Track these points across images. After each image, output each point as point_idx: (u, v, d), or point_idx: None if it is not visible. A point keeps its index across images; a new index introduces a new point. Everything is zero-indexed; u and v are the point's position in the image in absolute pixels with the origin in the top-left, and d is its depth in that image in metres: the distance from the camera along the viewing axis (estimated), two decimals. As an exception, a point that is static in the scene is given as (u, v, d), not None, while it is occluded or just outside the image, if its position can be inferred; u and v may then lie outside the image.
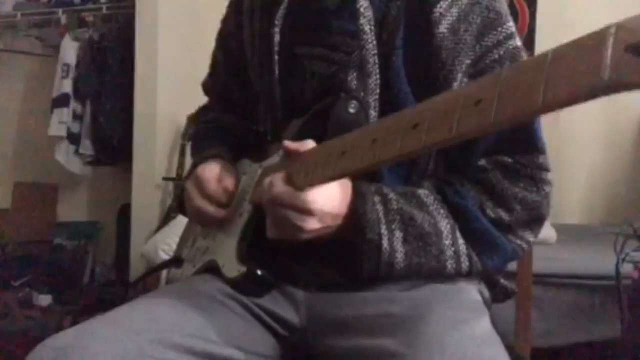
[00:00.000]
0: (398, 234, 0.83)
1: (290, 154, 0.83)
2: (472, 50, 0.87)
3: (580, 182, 3.14)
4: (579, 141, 2.96)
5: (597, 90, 0.44)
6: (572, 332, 2.01)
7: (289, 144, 0.83)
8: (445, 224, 0.84)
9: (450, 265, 0.85)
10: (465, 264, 0.86)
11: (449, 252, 0.84)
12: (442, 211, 0.85)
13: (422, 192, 0.86)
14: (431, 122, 0.58)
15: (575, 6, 3.10)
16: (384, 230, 0.83)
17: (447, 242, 0.84)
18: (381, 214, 0.83)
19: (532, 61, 0.50)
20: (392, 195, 0.85)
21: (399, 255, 0.83)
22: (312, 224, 0.79)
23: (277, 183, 0.80)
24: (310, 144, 0.82)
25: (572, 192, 3.09)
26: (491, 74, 0.56)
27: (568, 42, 0.48)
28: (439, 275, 0.86)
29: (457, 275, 0.87)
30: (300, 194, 0.78)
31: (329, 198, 0.80)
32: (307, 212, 0.78)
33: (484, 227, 0.85)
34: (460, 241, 0.85)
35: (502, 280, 0.98)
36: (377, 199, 0.84)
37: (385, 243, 0.83)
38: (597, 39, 0.45)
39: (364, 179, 0.85)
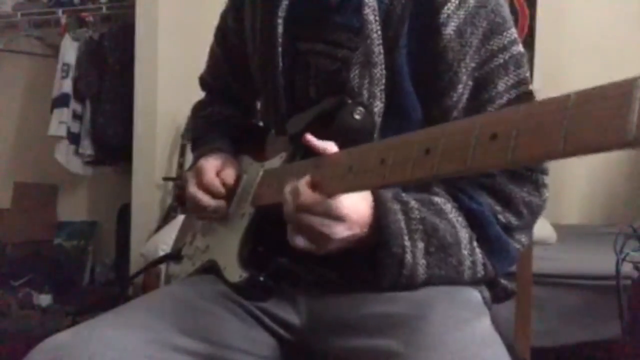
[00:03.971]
0: (420, 245, 0.82)
1: (311, 148, 0.79)
2: (478, 53, 0.87)
3: (580, 182, 3.13)
4: (579, 141, 2.94)
5: (622, 146, 0.43)
6: (572, 332, 2.00)
7: (312, 139, 0.79)
8: (464, 234, 0.84)
9: (467, 275, 0.85)
10: (480, 273, 0.86)
11: (467, 263, 0.85)
12: (460, 219, 0.85)
13: (438, 199, 0.85)
14: (445, 150, 0.57)
15: (575, 6, 3.10)
16: (407, 242, 0.81)
17: (466, 252, 0.84)
18: (403, 224, 0.81)
19: (553, 102, 0.48)
20: (412, 203, 0.83)
21: (421, 269, 0.82)
22: (341, 231, 0.76)
23: (304, 190, 0.75)
24: (333, 147, 0.78)
25: (572, 192, 3.09)
26: (509, 108, 0.54)
27: (592, 89, 0.46)
28: (454, 284, 0.85)
29: (471, 282, 0.87)
30: (329, 200, 0.74)
31: (355, 204, 0.78)
32: (337, 217, 0.75)
33: (498, 232, 0.86)
34: (477, 250, 0.85)
35: (502, 281, 0.98)
36: (397, 206, 0.82)
37: (408, 256, 0.81)
38: (622, 90, 0.43)
39: None
